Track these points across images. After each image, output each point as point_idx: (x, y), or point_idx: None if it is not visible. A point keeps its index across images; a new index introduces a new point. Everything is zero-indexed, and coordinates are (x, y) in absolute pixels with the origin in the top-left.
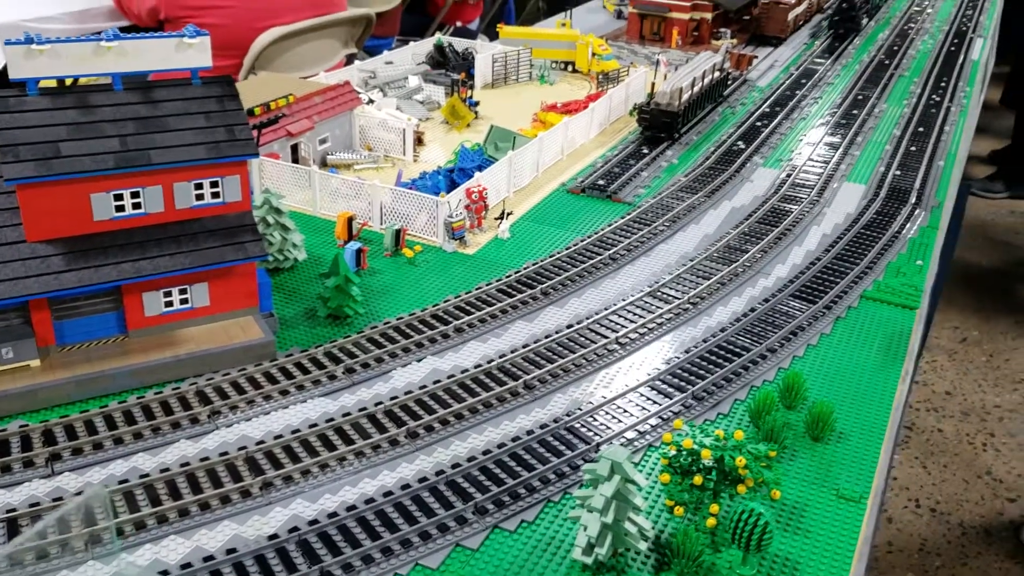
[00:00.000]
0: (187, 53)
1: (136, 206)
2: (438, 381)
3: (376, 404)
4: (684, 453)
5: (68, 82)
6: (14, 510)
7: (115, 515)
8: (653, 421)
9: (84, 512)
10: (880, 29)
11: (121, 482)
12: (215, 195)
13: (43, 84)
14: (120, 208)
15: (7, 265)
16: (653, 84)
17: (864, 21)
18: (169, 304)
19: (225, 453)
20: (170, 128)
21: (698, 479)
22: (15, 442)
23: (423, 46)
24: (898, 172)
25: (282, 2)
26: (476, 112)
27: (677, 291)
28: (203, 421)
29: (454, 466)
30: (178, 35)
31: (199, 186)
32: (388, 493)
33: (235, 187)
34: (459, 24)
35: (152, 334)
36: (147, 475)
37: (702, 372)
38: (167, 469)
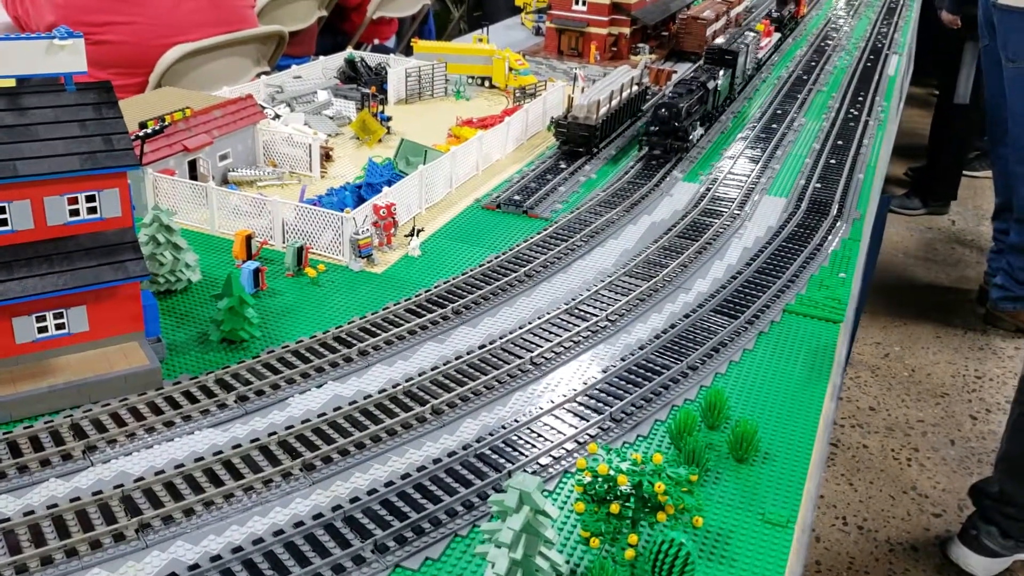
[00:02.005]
0: (58, 57)
1: (1, 223)
2: (339, 408)
3: (270, 435)
4: (600, 480)
5: None
6: None
7: None
8: (569, 445)
9: None
10: (797, 46)
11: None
12: (91, 210)
13: None
14: None
15: None
16: (571, 98)
17: (696, 134)
18: (43, 330)
19: (99, 492)
20: (40, 137)
21: (615, 507)
22: None
23: (334, 60)
24: (819, 185)
25: (188, 18)
26: (388, 127)
27: (595, 308)
28: (76, 457)
29: (352, 500)
30: (48, 36)
31: (73, 200)
32: (279, 532)
33: (114, 201)
34: (376, 42)
35: (23, 363)
36: (7, 519)
37: (621, 392)
38: (31, 512)
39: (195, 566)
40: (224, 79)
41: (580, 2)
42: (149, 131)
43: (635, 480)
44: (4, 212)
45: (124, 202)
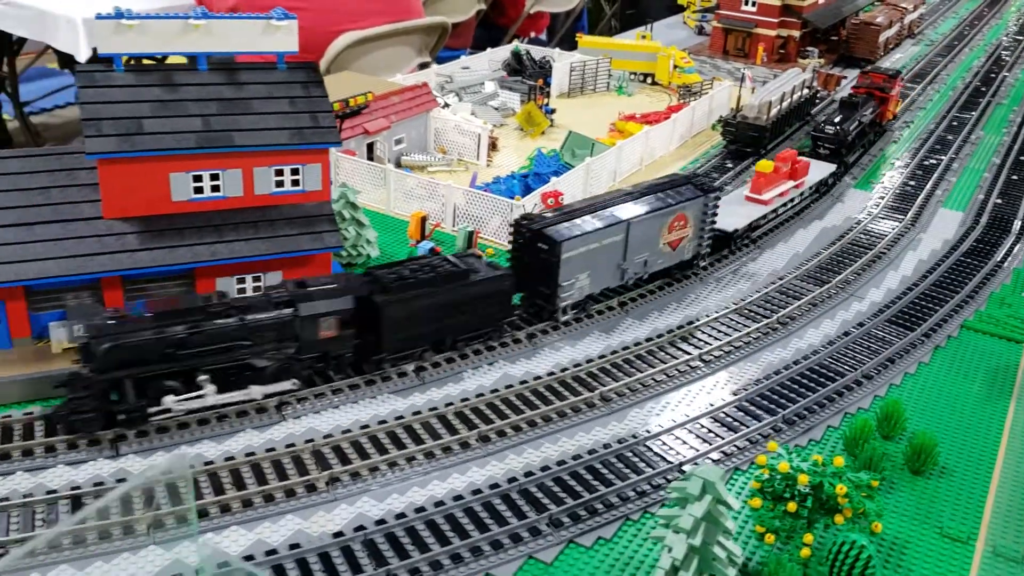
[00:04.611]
0: (274, 36)
1: (215, 189)
2: (510, 386)
3: (447, 405)
4: (779, 477)
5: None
6: (78, 486)
7: (196, 495)
8: (740, 443)
9: (165, 486)
10: (975, 57)
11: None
12: (295, 183)
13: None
14: (199, 190)
15: (82, 241)
16: (739, 98)
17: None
18: (242, 291)
19: (292, 445)
20: (253, 111)
21: (792, 506)
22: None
23: (500, 53)
24: (999, 200)
25: (359, 7)
26: (552, 120)
27: (765, 310)
28: (270, 412)
29: (527, 474)
30: (265, 17)
31: (280, 172)
32: (458, 497)
33: (316, 175)
34: (533, 35)
35: None
36: (211, 462)
37: (792, 395)
38: (232, 458)
39: (381, 521)
40: (388, 67)
41: (749, 3)
42: (348, 111)
43: (815, 481)
44: (217, 179)
45: (325, 177)
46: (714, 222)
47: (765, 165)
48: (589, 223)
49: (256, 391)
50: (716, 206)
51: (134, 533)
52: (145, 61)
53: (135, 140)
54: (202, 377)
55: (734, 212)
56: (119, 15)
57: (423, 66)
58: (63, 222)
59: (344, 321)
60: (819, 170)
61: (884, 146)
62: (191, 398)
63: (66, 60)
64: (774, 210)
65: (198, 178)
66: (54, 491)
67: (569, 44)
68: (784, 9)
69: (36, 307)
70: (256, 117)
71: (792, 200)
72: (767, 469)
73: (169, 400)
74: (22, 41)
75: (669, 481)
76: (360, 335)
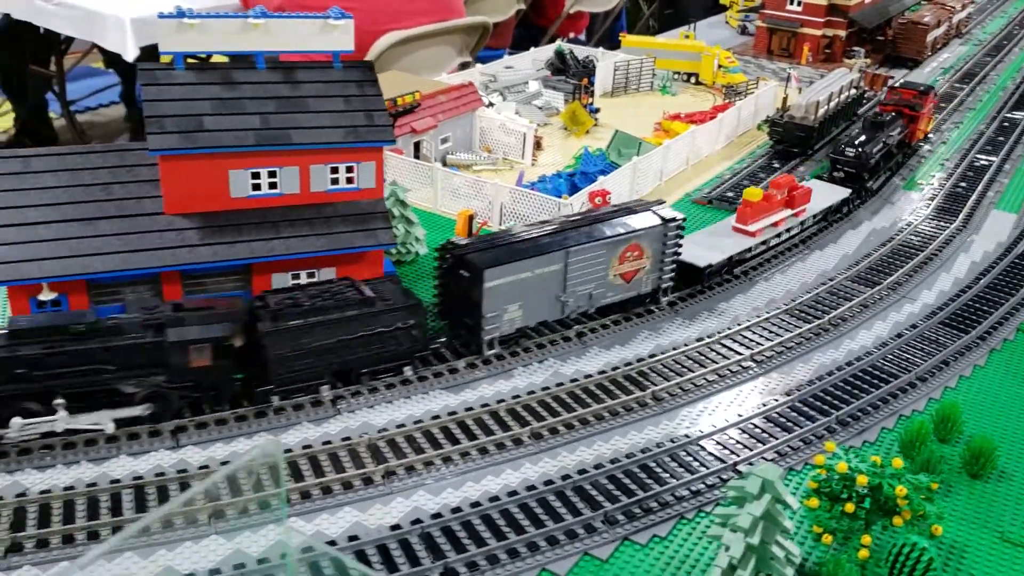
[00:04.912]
0: (331, 35)
1: (272, 185)
2: (561, 384)
3: (498, 402)
4: (836, 478)
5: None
6: (140, 477)
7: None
8: (794, 443)
9: (254, 470)
10: None
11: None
12: (349, 180)
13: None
14: (257, 187)
15: (144, 236)
16: (786, 98)
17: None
18: (296, 287)
19: (347, 438)
20: (310, 109)
21: (850, 507)
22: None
23: (543, 52)
24: None
25: (403, 7)
26: (596, 119)
27: (816, 311)
28: (325, 406)
29: (580, 472)
30: (323, 16)
31: (335, 170)
32: (513, 493)
33: (370, 173)
34: (572, 35)
35: None
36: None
37: (846, 396)
38: (288, 450)
39: (437, 515)
40: (429, 67)
41: (795, 2)
42: (402, 110)
43: (874, 482)
44: (275, 177)
45: (378, 175)
46: (677, 253)
47: (753, 193)
48: (520, 250)
49: (105, 416)
50: (678, 236)
51: (224, 518)
52: (190, 59)
53: (196, 137)
54: (58, 400)
55: (714, 244)
56: (180, 14)
57: (463, 66)
58: (125, 217)
59: (222, 349)
60: (826, 196)
61: (915, 167)
62: (41, 422)
63: (112, 60)
64: (764, 242)
65: (256, 175)
66: (117, 480)
67: (608, 44)
68: (830, 9)
69: (96, 300)
70: (313, 115)
71: (790, 231)
72: (824, 469)
73: (16, 423)
74: (69, 41)
75: (723, 480)
76: (245, 364)
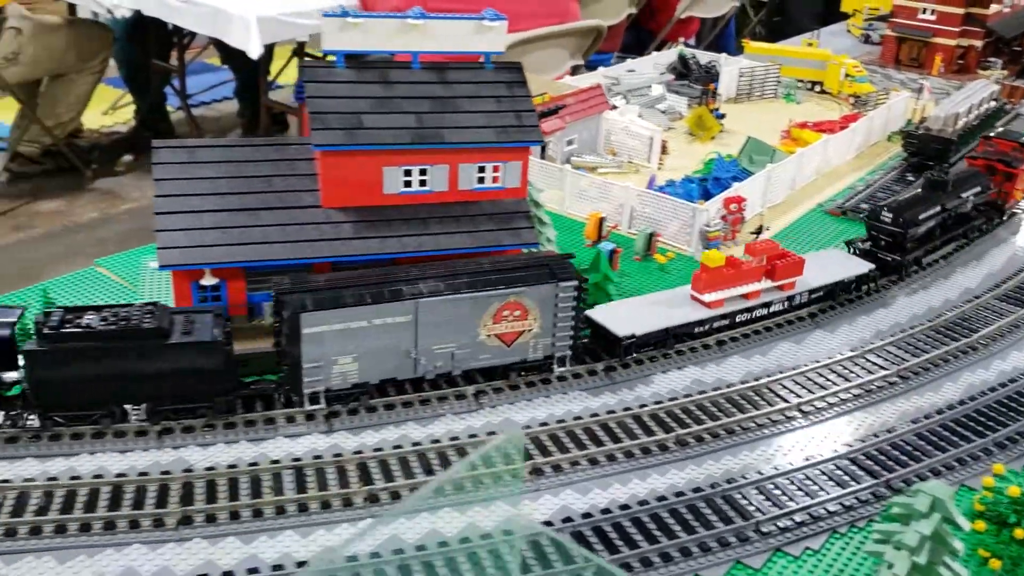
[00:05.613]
0: (485, 36)
1: (422, 183)
2: (703, 392)
3: (640, 407)
4: (1006, 501)
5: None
6: (299, 459)
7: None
8: (950, 463)
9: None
10: None
11: (395, 447)
12: (495, 179)
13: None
14: (408, 184)
15: (303, 228)
16: (923, 108)
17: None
18: None
19: (492, 432)
20: (462, 109)
21: (1020, 532)
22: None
23: (665, 56)
24: None
25: (522, 9)
26: (722, 124)
27: (962, 329)
28: (469, 400)
29: (729, 480)
30: (477, 18)
31: (482, 169)
32: (661, 498)
33: (516, 173)
34: (682, 40)
35: None
36: (418, 443)
37: (1002, 419)
38: (437, 440)
39: (587, 514)
40: (542, 69)
41: (927, 11)
42: (546, 111)
43: None
44: (425, 174)
45: (524, 174)
46: (575, 318)
47: (713, 257)
48: (353, 295)
49: None
50: (575, 298)
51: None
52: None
53: (356, 134)
54: None
55: (650, 311)
56: (344, 14)
57: (575, 69)
58: (285, 209)
59: None
60: (833, 269)
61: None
62: None
63: (228, 56)
64: (725, 316)
65: (408, 172)
66: (277, 461)
67: (716, 50)
68: (966, 18)
69: (251, 287)
70: (464, 115)
71: (769, 306)
72: (991, 492)
73: None
74: (191, 37)
75: (876, 496)
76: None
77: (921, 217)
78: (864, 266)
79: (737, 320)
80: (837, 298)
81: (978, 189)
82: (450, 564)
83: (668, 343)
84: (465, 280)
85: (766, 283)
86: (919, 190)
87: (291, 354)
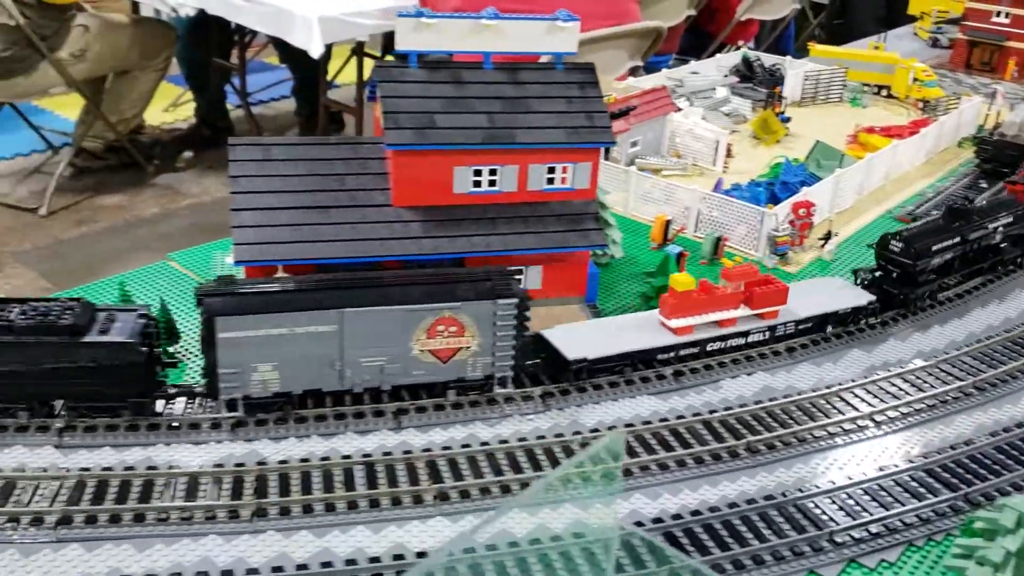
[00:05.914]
0: (558, 37)
1: (492, 183)
2: (773, 399)
3: (710, 412)
4: None
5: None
6: (369, 455)
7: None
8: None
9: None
10: None
11: (405, 452)
12: (564, 180)
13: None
14: (477, 184)
15: (374, 226)
16: (998, 113)
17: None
18: None
19: (560, 435)
20: (533, 110)
21: None
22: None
23: (729, 58)
24: None
25: (583, 10)
26: (787, 128)
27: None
28: (535, 402)
29: (800, 489)
30: (551, 19)
31: (552, 170)
32: (732, 504)
33: (585, 174)
34: (741, 43)
35: None
36: (467, 445)
37: None
38: (467, 445)
39: (658, 519)
40: (602, 70)
41: (1002, 14)
42: (618, 111)
43: None
44: (495, 174)
45: (593, 176)
46: (514, 337)
47: (681, 281)
48: (274, 301)
49: None
50: (517, 316)
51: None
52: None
53: (428, 134)
54: None
55: (610, 334)
56: (418, 14)
57: (634, 70)
58: (357, 207)
59: None
60: (825, 300)
61: None
62: None
63: (286, 55)
64: (695, 343)
65: (478, 172)
66: (348, 456)
67: (775, 52)
68: None
69: None
70: (535, 116)
71: (747, 335)
72: None
73: None
74: (252, 36)
75: (955, 510)
76: None
77: (935, 248)
78: (863, 297)
79: (708, 349)
80: (826, 330)
81: (1010, 219)
82: (543, 560)
83: (625, 370)
84: (397, 292)
85: (744, 311)
86: (943, 219)
87: (207, 358)
